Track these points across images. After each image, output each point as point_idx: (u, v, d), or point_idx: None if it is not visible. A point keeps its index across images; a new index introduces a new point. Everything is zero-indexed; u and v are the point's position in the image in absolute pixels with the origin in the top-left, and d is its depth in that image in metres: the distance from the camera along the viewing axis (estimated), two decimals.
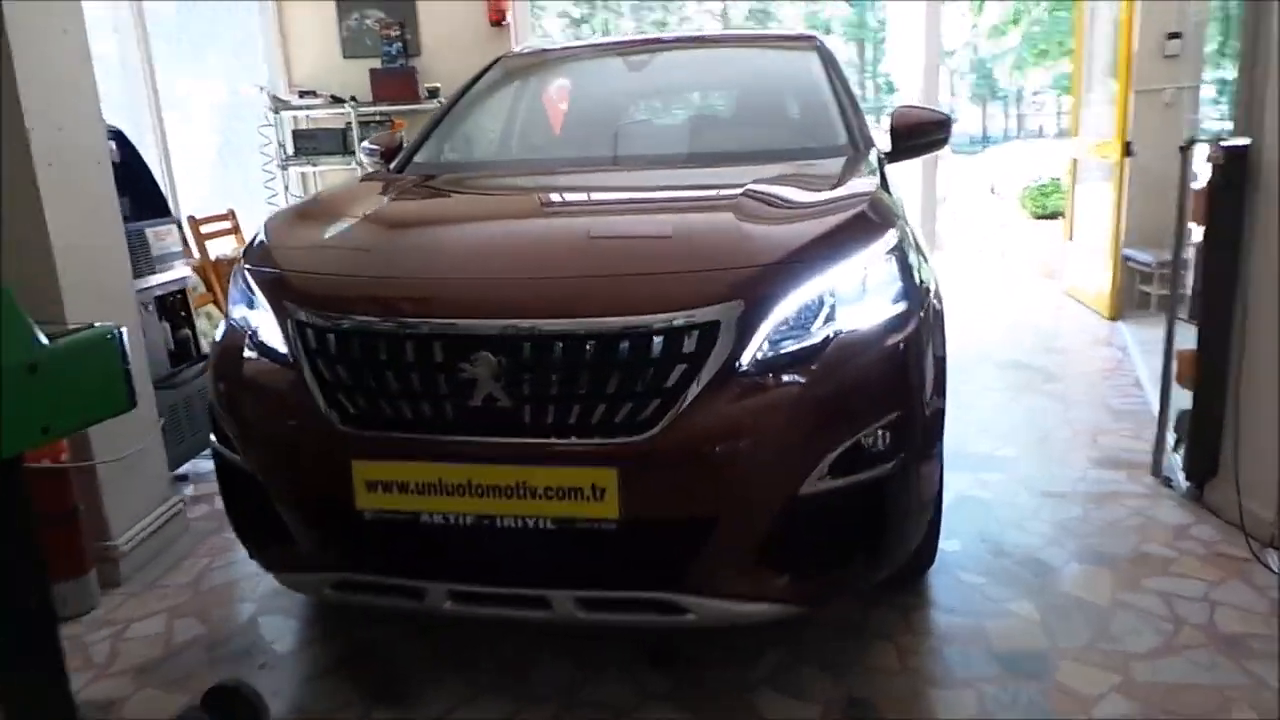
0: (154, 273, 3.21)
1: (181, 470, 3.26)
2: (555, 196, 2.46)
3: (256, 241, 2.15)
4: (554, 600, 1.77)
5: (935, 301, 2.14)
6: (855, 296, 1.85)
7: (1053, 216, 9.55)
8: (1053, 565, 2.54)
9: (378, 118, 5.87)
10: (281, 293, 1.92)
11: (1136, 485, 3.06)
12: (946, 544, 2.61)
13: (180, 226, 4.50)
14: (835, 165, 2.46)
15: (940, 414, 2.06)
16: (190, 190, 5.33)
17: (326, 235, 2.09)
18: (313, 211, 2.29)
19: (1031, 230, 9.27)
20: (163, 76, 4.93)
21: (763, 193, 2.12)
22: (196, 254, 4.42)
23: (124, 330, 1.63)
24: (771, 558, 1.77)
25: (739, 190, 2.10)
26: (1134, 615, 2.27)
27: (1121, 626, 2.22)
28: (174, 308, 3.37)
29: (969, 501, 2.97)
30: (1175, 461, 3.06)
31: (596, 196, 2.41)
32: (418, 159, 3.01)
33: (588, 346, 1.67)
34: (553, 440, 1.69)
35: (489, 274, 1.83)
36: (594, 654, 2.16)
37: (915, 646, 2.17)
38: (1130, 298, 5.64)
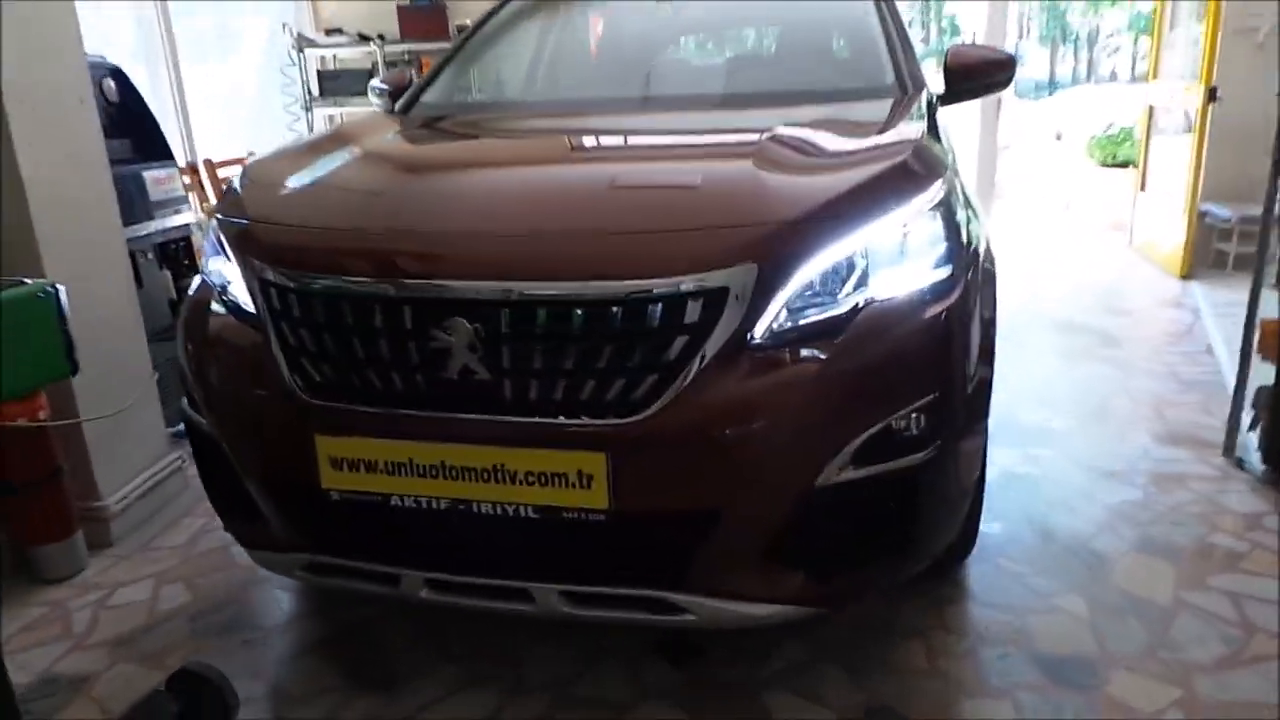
0: (152, 219, 3.06)
1: (182, 427, 3.14)
2: (560, 142, 2.22)
3: (230, 188, 1.97)
4: (537, 594, 1.60)
5: (986, 264, 1.89)
6: (892, 259, 1.60)
7: (1123, 166, 9.01)
8: (1107, 555, 2.30)
9: (405, 57, 5.65)
10: (247, 246, 1.74)
11: (1205, 466, 2.78)
12: (988, 527, 2.38)
13: (196, 169, 4.38)
14: (879, 108, 2.19)
15: (986, 385, 1.82)
16: (223, 133, 5.19)
17: (302, 184, 1.89)
18: (296, 157, 2.10)
19: (1099, 180, 8.75)
20: (189, 16, 4.76)
21: (790, 138, 1.87)
22: (213, 198, 4.28)
23: (61, 287, 1.47)
24: (784, 555, 1.56)
25: (763, 135, 1.85)
26: (1198, 618, 2.03)
27: (1184, 631, 1.98)
28: (177, 256, 3.24)
29: (1016, 479, 2.72)
30: (1250, 441, 2.76)
31: (606, 142, 2.17)
32: (425, 99, 2.79)
33: (574, 314, 1.46)
34: (534, 420, 1.49)
35: (467, 228, 1.61)
36: (594, 643, 1.99)
37: (948, 646, 1.96)
38: (1205, 255, 5.22)
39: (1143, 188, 5.95)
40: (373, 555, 1.67)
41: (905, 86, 2.37)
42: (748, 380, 1.48)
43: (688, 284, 1.46)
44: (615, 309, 1.45)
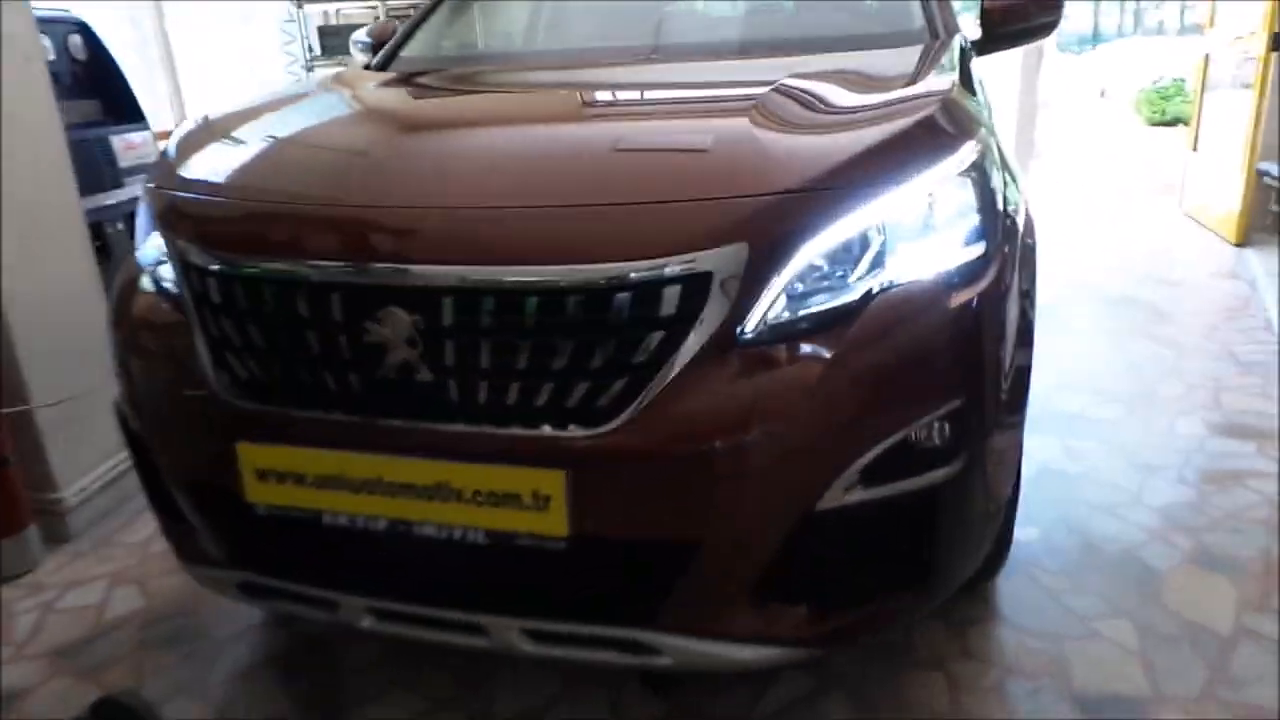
0: (121, 186, 2.86)
1: None
2: (534, 100, 1.96)
3: (163, 154, 1.75)
4: (492, 628, 1.38)
5: (1026, 237, 1.63)
6: (914, 235, 1.35)
7: (1172, 123, 8.51)
8: (1157, 569, 2.04)
9: (409, 11, 5.36)
10: (171, 221, 1.52)
11: (1267, 461, 2.49)
12: (1022, 533, 2.13)
13: None
14: (904, 57, 1.91)
15: (1024, 374, 1.57)
16: (225, 95, 4.97)
17: (237, 151, 1.66)
18: (238, 119, 1.86)
19: (1147, 139, 8.28)
20: None
21: (797, 91, 1.60)
22: None
23: None
24: (777, 590, 1.33)
25: (765, 89, 1.58)
26: (1264, 649, 1.77)
27: (1247, 665, 1.73)
28: None
29: (1054, 476, 2.46)
30: None
31: (587, 99, 1.89)
32: (406, 53, 2.54)
33: (525, 305, 1.23)
34: (482, 429, 1.26)
35: (404, 202, 1.37)
36: (571, 667, 1.78)
37: (971, 678, 1.72)
38: (1262, 219, 4.83)
39: (1195, 146, 5.55)
40: (307, 578, 1.47)
41: (936, 32, 2.08)
42: (737, 383, 1.24)
43: (662, 269, 1.21)
44: (573, 299, 1.22)
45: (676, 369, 1.23)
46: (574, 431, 1.24)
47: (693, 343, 1.23)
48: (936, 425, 1.32)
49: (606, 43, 2.37)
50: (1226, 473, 2.44)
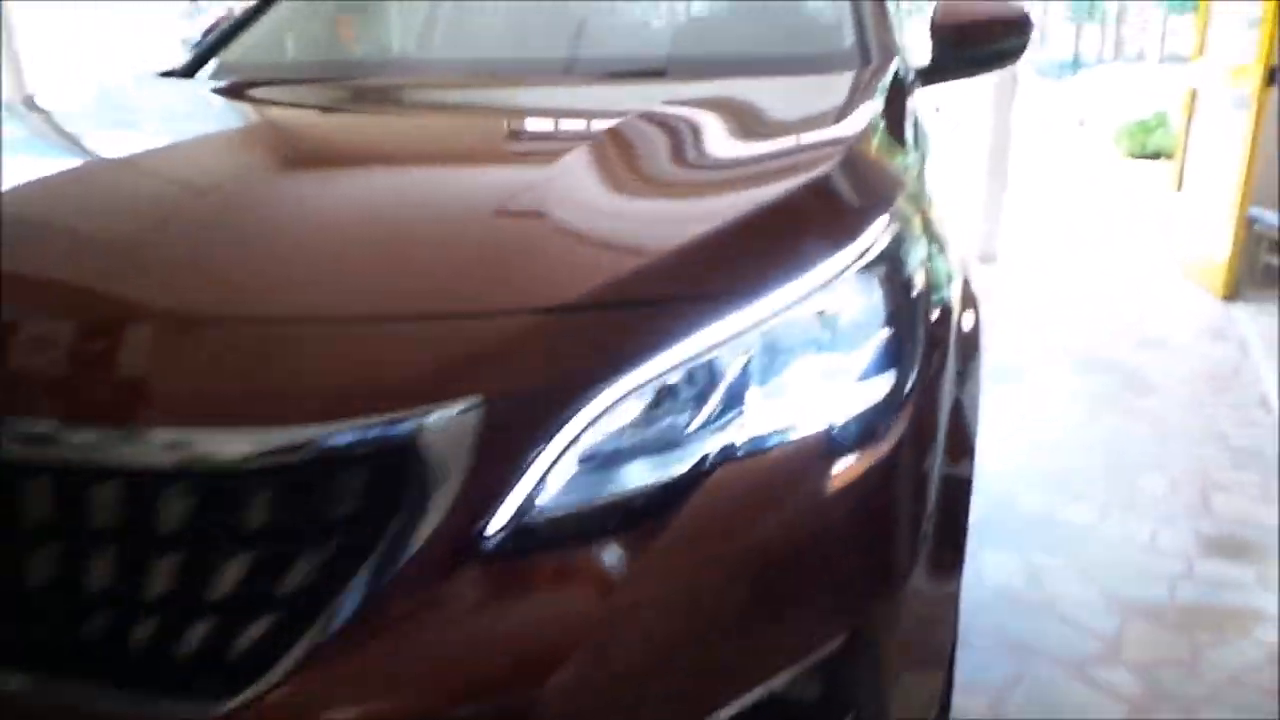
0: None
1: None
2: (283, 135, 1.42)
3: None
4: None
5: (964, 319, 1.18)
6: (787, 364, 0.87)
7: (1154, 157, 8.18)
8: None
9: None
10: None
11: (1268, 594, 2.02)
12: (967, 700, 1.64)
13: None
14: (819, 86, 1.45)
15: (964, 494, 1.11)
16: None
17: None
18: None
19: (1127, 174, 7.92)
20: None
21: (643, 136, 1.11)
22: None
23: None
24: None
25: (603, 127, 1.09)
26: None
27: None
28: None
29: (1012, 606, 1.97)
30: None
31: (337, 137, 1.35)
32: (230, 56, 2.04)
33: (100, 493, 0.72)
34: (44, 689, 0.76)
35: None
36: None
37: None
38: (1252, 272, 4.43)
39: (1180, 186, 5.14)
40: None
41: (868, 54, 1.61)
42: (468, 620, 0.75)
43: (327, 441, 0.71)
44: (175, 487, 0.72)
45: (359, 601, 0.73)
46: (182, 707, 0.73)
47: (389, 558, 0.73)
48: (806, 678, 0.83)
49: (433, 56, 1.87)
50: (1223, 612, 1.97)
